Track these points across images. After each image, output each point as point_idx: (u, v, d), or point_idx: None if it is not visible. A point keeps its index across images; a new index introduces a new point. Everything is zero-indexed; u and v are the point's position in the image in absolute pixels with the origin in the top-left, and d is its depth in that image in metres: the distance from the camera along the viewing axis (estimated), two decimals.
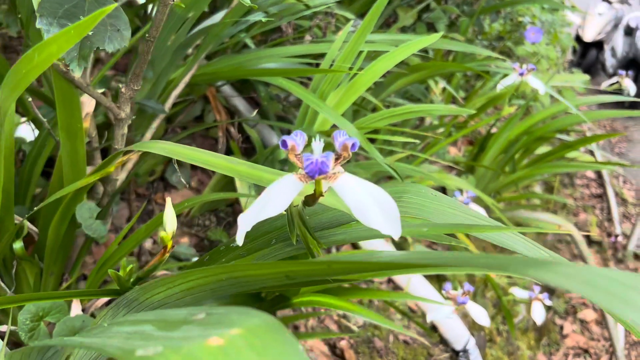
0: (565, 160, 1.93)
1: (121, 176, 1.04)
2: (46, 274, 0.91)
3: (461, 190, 1.44)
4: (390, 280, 1.53)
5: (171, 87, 1.14)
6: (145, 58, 0.76)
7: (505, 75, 1.76)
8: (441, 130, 1.76)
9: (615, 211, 3.01)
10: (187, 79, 1.13)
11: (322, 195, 0.47)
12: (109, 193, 0.98)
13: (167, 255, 0.51)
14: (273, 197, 0.43)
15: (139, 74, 0.77)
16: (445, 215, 0.57)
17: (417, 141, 1.31)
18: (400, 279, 1.51)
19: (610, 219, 2.96)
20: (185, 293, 0.49)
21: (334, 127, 1.25)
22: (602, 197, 3.18)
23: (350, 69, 1.21)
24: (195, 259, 1.22)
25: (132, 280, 0.53)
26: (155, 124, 1.11)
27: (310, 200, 0.48)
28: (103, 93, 0.89)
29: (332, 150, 0.46)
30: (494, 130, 2.09)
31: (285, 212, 0.53)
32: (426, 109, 1.17)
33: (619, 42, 4.51)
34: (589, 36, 4.75)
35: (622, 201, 3.18)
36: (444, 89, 1.89)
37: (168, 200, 0.52)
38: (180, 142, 0.65)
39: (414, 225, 0.50)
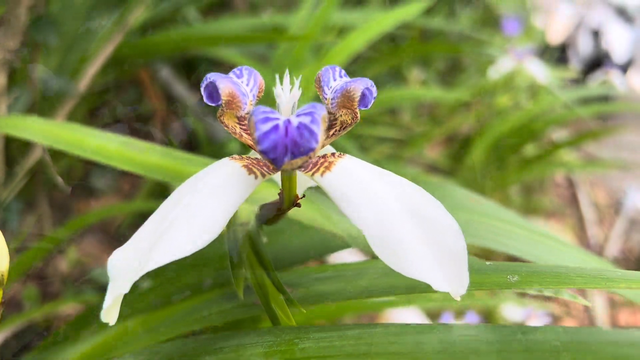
0: (554, 161, 1.76)
1: (18, 178, 0.78)
2: None
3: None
4: None
5: (88, 61, 0.88)
6: None
7: (487, 65, 1.58)
8: (419, 129, 1.55)
9: (588, 215, 2.90)
10: (108, 50, 0.87)
11: (297, 204, 0.23)
12: None
13: None
14: (188, 211, 0.19)
15: (8, 19, 0.52)
16: (500, 235, 0.34)
17: (397, 137, 1.09)
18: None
19: (582, 224, 2.85)
20: None
21: None
22: (573, 200, 3.06)
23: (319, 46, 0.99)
24: None
25: None
26: (65, 109, 0.85)
27: (273, 213, 0.25)
28: None
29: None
30: (466, 127, 1.90)
31: (224, 233, 0.30)
32: (418, 92, 0.95)
33: (582, 43, 4.48)
34: (554, 39, 4.71)
35: (594, 205, 3.08)
36: (421, 82, 1.69)
37: None
38: None
39: (493, 268, 0.27)
